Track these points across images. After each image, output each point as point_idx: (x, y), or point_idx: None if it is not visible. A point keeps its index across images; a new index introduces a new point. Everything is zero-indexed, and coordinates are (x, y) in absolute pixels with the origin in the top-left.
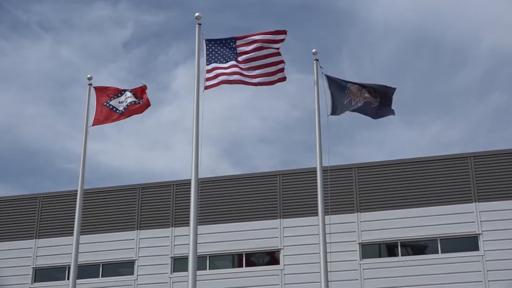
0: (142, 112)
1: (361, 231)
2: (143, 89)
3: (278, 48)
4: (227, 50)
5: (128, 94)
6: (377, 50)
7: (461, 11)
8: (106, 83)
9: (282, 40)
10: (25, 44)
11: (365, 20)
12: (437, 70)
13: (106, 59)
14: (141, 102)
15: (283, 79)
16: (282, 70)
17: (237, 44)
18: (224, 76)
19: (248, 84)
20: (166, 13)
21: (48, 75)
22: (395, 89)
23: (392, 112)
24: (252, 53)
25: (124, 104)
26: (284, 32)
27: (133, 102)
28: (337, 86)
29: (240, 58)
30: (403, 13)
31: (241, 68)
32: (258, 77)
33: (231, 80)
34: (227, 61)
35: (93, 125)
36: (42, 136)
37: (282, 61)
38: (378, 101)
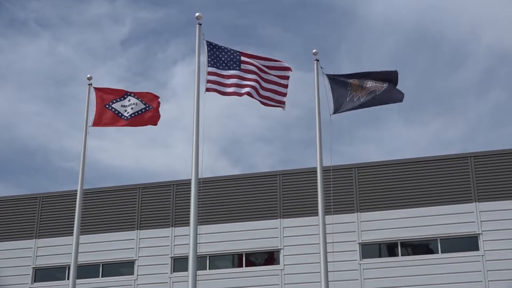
0: (155, 123)
1: (361, 231)
2: (154, 97)
3: (285, 79)
4: (230, 58)
5: (133, 100)
6: (376, 48)
7: (460, 8)
8: (104, 80)
9: (287, 71)
10: (22, 42)
11: (364, 18)
12: (436, 68)
13: (104, 56)
14: (150, 108)
15: (283, 103)
16: (284, 94)
17: (242, 59)
18: (229, 88)
19: (255, 98)
20: (165, 10)
21: (46, 73)
22: (396, 71)
23: (400, 97)
24: (258, 71)
25: (129, 109)
26: (289, 69)
27: (141, 111)
28: (339, 84)
29: (243, 67)
30: (402, 10)
31: (248, 80)
32: (265, 97)
33: (241, 93)
34: (230, 69)
35: (93, 125)
36: (40, 134)
37: (286, 86)
38: (384, 86)
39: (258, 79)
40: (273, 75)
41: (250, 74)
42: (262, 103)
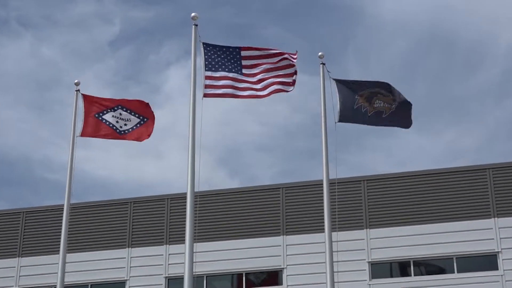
0: (148, 137)
1: (371, 248)
2: (145, 106)
3: (293, 60)
4: (230, 59)
5: (125, 114)
6: (385, 49)
7: (476, 6)
8: (91, 84)
9: (294, 58)
10: (3, 42)
11: (372, 17)
12: (450, 71)
13: (91, 58)
14: (146, 120)
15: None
16: (292, 75)
17: (242, 55)
18: (230, 90)
19: (259, 98)
20: (157, 8)
21: (29, 76)
22: (411, 105)
23: (407, 124)
24: (260, 67)
25: (122, 124)
26: (294, 55)
27: (136, 126)
28: (346, 90)
29: (245, 71)
30: (413, 9)
31: (249, 82)
32: (267, 88)
33: (242, 95)
34: (230, 71)
35: (81, 135)
36: (22, 142)
37: (295, 73)
38: (392, 109)
39: (261, 76)
40: (278, 61)
41: (252, 77)
42: (267, 95)
